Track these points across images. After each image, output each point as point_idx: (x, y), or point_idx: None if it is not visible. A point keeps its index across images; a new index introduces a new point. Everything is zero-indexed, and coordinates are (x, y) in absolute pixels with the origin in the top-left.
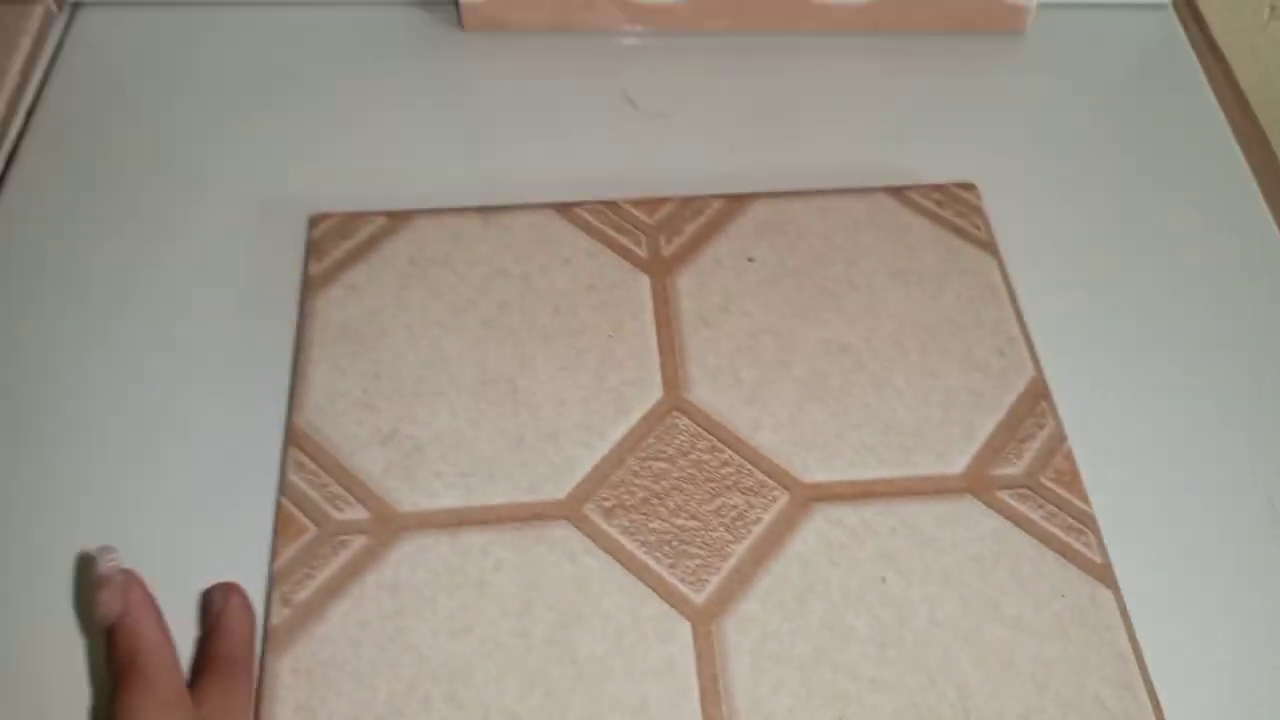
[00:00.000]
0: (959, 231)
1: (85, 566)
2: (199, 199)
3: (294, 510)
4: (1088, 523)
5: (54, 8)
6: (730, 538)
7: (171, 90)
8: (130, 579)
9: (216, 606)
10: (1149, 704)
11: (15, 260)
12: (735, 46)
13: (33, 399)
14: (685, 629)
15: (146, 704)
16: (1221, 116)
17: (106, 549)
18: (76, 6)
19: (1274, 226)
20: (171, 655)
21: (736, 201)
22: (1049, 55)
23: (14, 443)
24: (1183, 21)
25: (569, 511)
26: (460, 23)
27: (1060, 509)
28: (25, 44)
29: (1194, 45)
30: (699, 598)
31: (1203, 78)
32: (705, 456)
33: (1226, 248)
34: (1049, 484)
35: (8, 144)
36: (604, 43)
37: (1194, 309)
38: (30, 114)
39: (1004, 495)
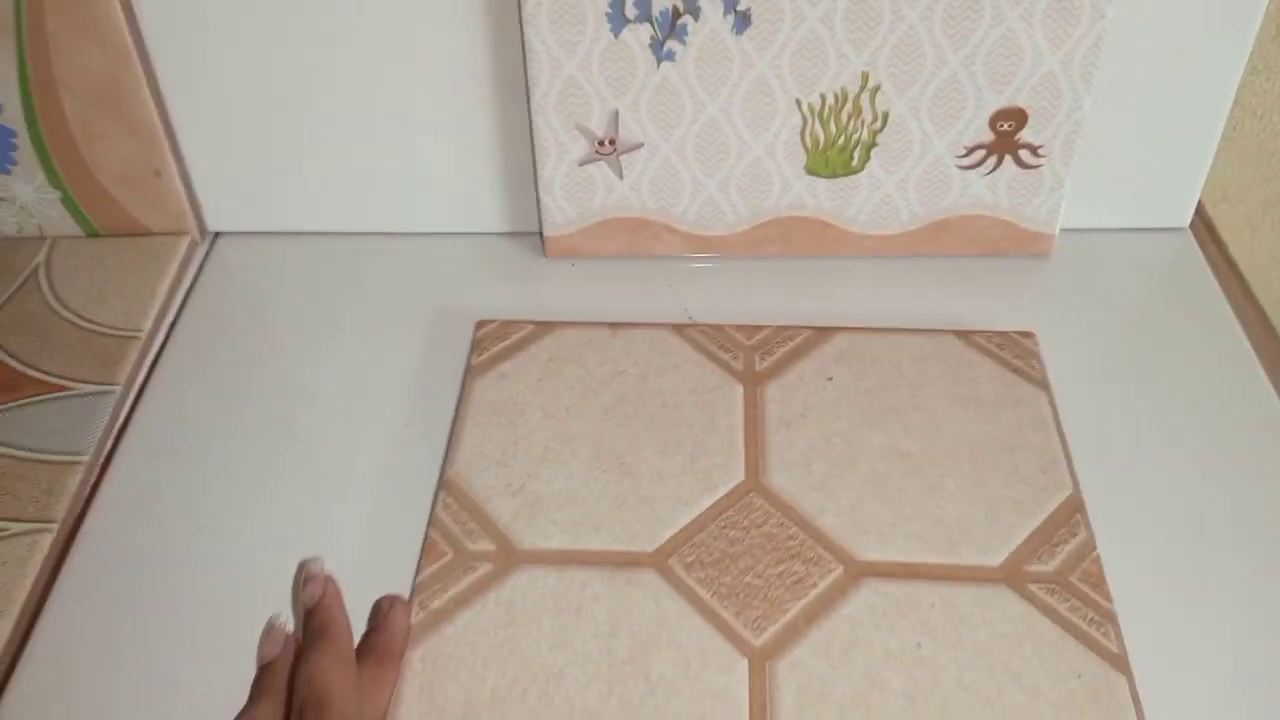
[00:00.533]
0: (1016, 370)
1: (298, 571)
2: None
3: (438, 539)
4: (1108, 618)
5: (198, 237)
6: (789, 597)
7: (295, 307)
8: (329, 578)
9: (385, 608)
10: None
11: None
12: (784, 269)
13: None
14: (743, 665)
15: (329, 658)
16: (1243, 335)
17: (315, 559)
18: (216, 236)
19: None
20: (350, 632)
21: (822, 332)
22: (1073, 277)
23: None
24: (1200, 243)
25: (657, 562)
26: (544, 250)
27: (1084, 604)
28: (172, 269)
29: (1212, 265)
30: (757, 641)
31: (1222, 296)
32: (775, 530)
33: (1248, 451)
34: (1076, 582)
35: (152, 354)
36: (670, 266)
37: (1208, 487)
38: (172, 327)
39: (1034, 588)
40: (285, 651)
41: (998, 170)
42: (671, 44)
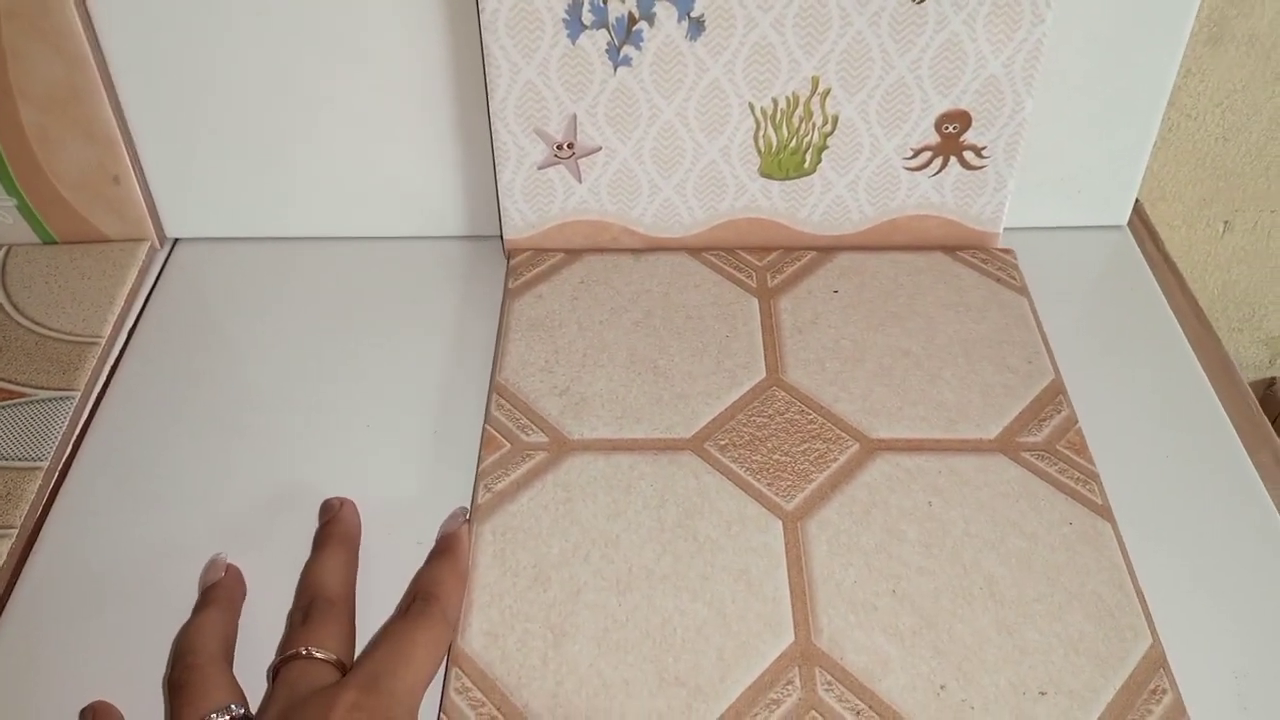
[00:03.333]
0: (999, 280)
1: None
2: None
3: (495, 433)
4: (1093, 478)
5: (157, 244)
6: (813, 469)
7: (255, 311)
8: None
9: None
10: (1136, 598)
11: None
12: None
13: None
14: (778, 525)
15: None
16: (1179, 328)
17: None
18: (176, 242)
19: (1230, 427)
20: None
21: (826, 253)
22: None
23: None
24: (1138, 240)
25: (694, 445)
26: (505, 253)
27: (1070, 466)
28: (131, 276)
29: (1150, 261)
30: (788, 505)
31: (1159, 291)
32: (796, 417)
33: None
34: (1063, 449)
35: (111, 360)
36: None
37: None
38: (132, 334)
39: (1027, 455)
40: (229, 575)
41: (944, 171)
42: (628, 49)
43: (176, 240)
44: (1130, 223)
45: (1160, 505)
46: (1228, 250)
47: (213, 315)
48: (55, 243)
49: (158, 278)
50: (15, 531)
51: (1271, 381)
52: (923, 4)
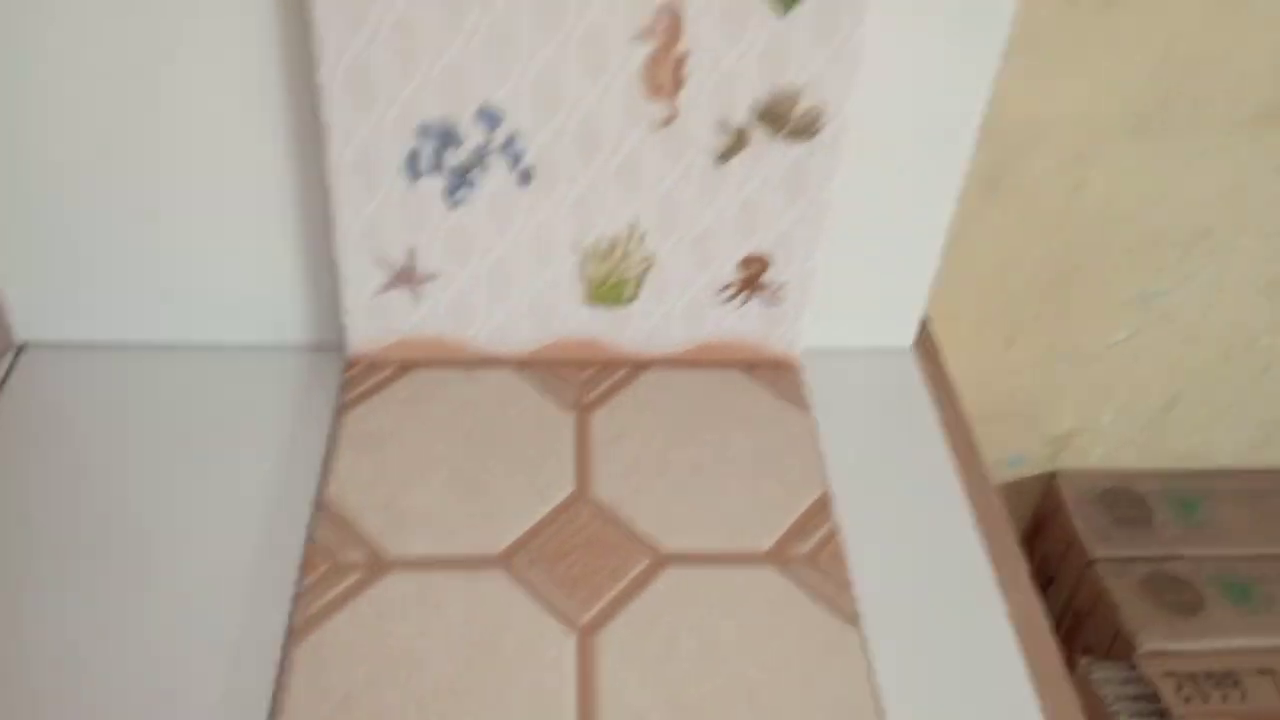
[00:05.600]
0: (787, 399)
1: None
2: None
3: (314, 554)
4: (845, 587)
5: (5, 348)
6: (609, 583)
7: (95, 421)
8: None
9: None
10: (872, 699)
11: None
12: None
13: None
14: (572, 640)
15: None
16: (944, 445)
17: None
18: (23, 347)
19: (979, 543)
20: None
21: (639, 368)
22: (814, 391)
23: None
24: (922, 359)
25: (503, 561)
26: (345, 366)
27: (828, 577)
28: None
29: (930, 380)
30: (583, 619)
31: (932, 410)
32: (598, 531)
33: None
34: (824, 561)
35: None
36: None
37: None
38: None
39: (793, 566)
40: None
41: (747, 306)
42: (462, 191)
43: (24, 345)
44: (917, 342)
45: (904, 614)
46: (1011, 363)
47: (56, 425)
48: None
49: (2, 384)
50: None
51: (1054, 474)
52: (724, 166)
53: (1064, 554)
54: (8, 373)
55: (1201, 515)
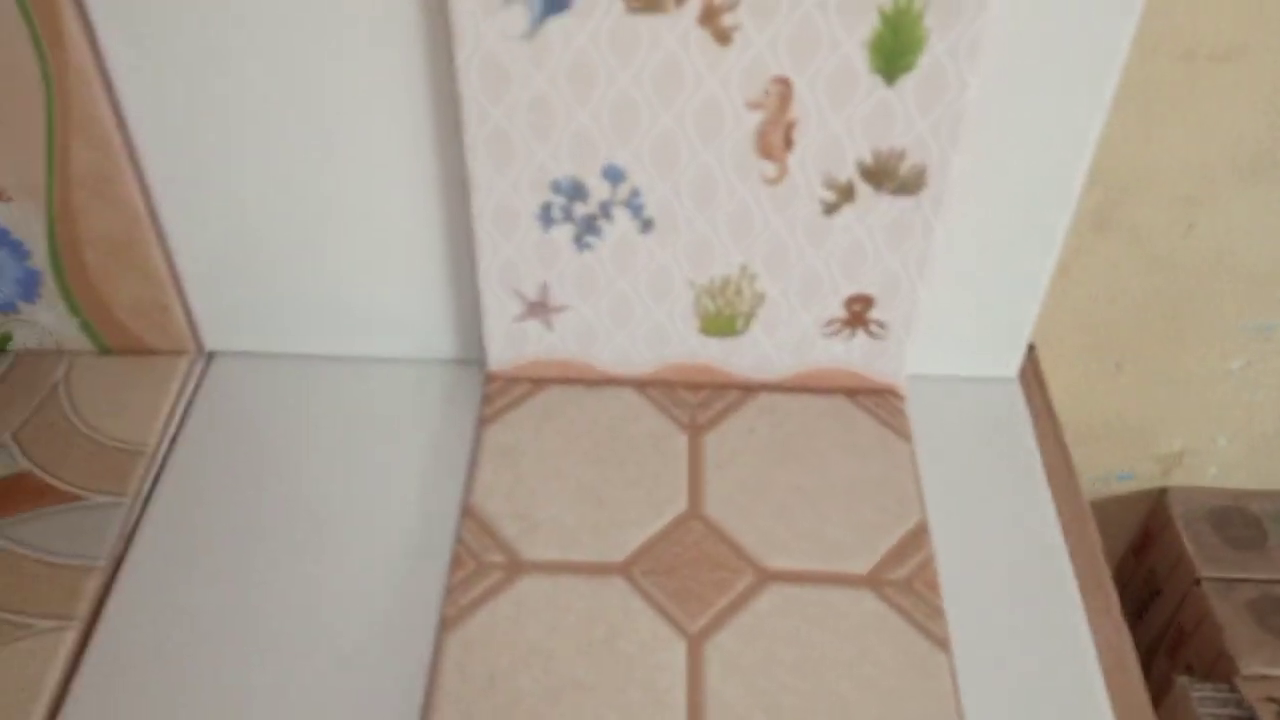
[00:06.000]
0: (889, 426)
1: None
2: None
3: (462, 553)
4: (939, 613)
5: (195, 356)
6: (717, 596)
7: (280, 422)
8: None
9: None
10: (955, 715)
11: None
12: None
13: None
14: (682, 645)
15: None
16: (1044, 479)
17: None
18: (212, 355)
19: (1072, 577)
20: None
21: (749, 392)
22: (916, 419)
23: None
24: (1027, 389)
25: (623, 570)
26: (484, 378)
27: (922, 602)
28: (174, 387)
29: (1034, 410)
30: (693, 628)
31: (1034, 443)
32: (708, 548)
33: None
34: (918, 586)
35: (156, 466)
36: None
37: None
38: (174, 441)
39: (888, 590)
40: None
41: (852, 338)
42: (589, 238)
43: (213, 353)
44: (1022, 372)
45: (992, 641)
46: (1121, 386)
47: (241, 426)
48: (110, 353)
49: (196, 387)
50: (77, 623)
51: (1164, 490)
52: (831, 217)
53: (1172, 569)
54: (200, 378)
55: None
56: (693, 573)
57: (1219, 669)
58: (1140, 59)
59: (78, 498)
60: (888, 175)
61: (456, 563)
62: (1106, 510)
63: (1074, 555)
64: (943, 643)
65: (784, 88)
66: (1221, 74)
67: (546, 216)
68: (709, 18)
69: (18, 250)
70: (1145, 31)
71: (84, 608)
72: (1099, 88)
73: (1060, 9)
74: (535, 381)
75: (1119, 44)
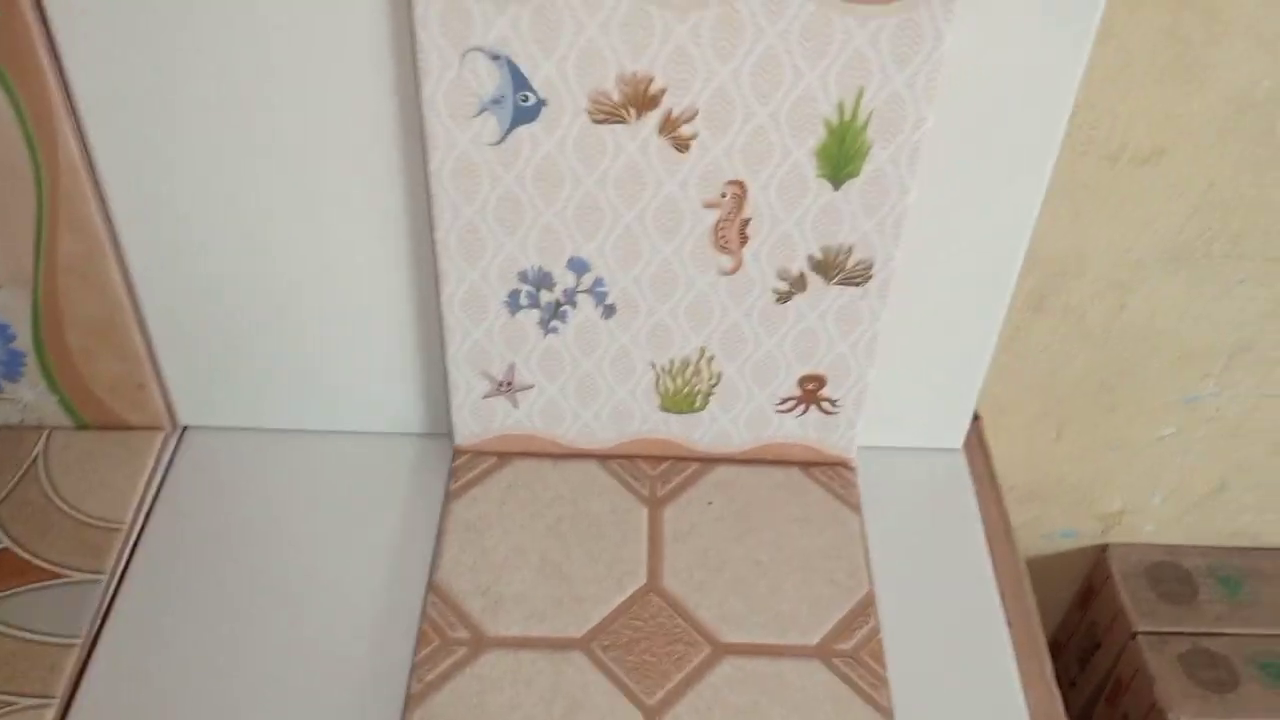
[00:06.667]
0: (839, 498)
1: None
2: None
3: (428, 630)
4: (883, 683)
5: (170, 430)
6: (674, 669)
7: (249, 498)
8: None
9: None
10: None
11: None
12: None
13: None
14: (640, 718)
15: None
16: (985, 546)
17: None
18: (185, 430)
19: (1009, 645)
20: None
21: (708, 464)
22: (867, 489)
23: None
24: (971, 458)
25: (583, 645)
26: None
27: (868, 673)
28: (149, 462)
29: (977, 478)
30: (650, 701)
31: (976, 510)
32: (665, 622)
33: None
34: (865, 657)
35: (131, 542)
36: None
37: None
38: (148, 515)
39: (836, 661)
40: None
41: (806, 415)
42: (555, 323)
43: (187, 428)
44: (967, 442)
45: (934, 707)
46: (1062, 453)
47: (214, 499)
48: (87, 428)
49: (170, 461)
50: (57, 700)
51: (1105, 546)
52: (784, 305)
53: (1110, 623)
54: (175, 452)
55: (1245, 594)
56: (650, 646)
57: (1152, 719)
58: (1070, 160)
59: (56, 575)
60: (836, 268)
61: (422, 639)
62: (1052, 566)
63: (1011, 621)
64: (887, 712)
65: (739, 189)
66: (1144, 174)
67: (514, 303)
68: (668, 128)
69: (3, 333)
70: (1074, 137)
71: (62, 685)
72: (1031, 187)
73: (994, 118)
74: (501, 455)
75: (1049, 148)
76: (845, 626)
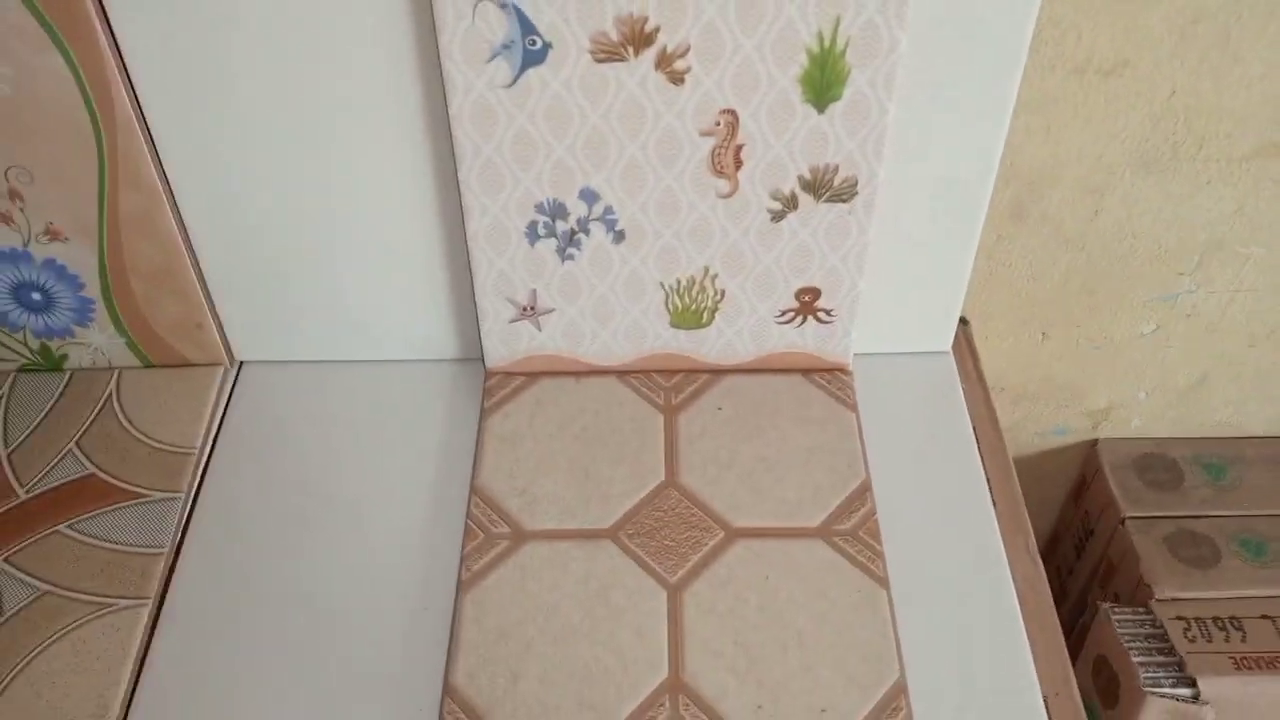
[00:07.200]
0: (838, 399)
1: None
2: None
3: (473, 526)
4: (879, 556)
5: (228, 365)
6: (691, 552)
7: (306, 424)
8: None
9: None
10: (894, 645)
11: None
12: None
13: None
14: (664, 594)
15: None
16: (973, 440)
17: None
18: (243, 365)
19: (994, 522)
20: None
21: (717, 375)
22: (864, 393)
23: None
24: (960, 359)
25: (611, 535)
26: (485, 378)
27: (865, 548)
28: (212, 395)
29: (966, 378)
30: (672, 579)
31: (964, 409)
32: (683, 512)
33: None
34: (862, 535)
35: (201, 465)
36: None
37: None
38: (215, 441)
39: (837, 539)
40: None
41: (804, 325)
42: (571, 250)
43: (244, 363)
44: (956, 345)
45: (925, 578)
46: (1048, 353)
47: (272, 426)
48: (152, 366)
49: (230, 393)
50: (151, 600)
51: (1095, 441)
52: (778, 223)
53: (1102, 512)
54: (234, 385)
55: (1229, 479)
56: (671, 533)
57: (1139, 595)
58: (1039, 75)
59: (138, 495)
60: (824, 187)
61: (468, 535)
62: (1047, 462)
63: (998, 503)
64: (883, 580)
65: (731, 117)
66: (1110, 85)
67: (533, 233)
68: (663, 63)
69: (74, 283)
70: (1041, 53)
71: (154, 587)
72: (1002, 101)
73: (964, 39)
74: (529, 375)
75: (1015, 64)
76: (844, 509)
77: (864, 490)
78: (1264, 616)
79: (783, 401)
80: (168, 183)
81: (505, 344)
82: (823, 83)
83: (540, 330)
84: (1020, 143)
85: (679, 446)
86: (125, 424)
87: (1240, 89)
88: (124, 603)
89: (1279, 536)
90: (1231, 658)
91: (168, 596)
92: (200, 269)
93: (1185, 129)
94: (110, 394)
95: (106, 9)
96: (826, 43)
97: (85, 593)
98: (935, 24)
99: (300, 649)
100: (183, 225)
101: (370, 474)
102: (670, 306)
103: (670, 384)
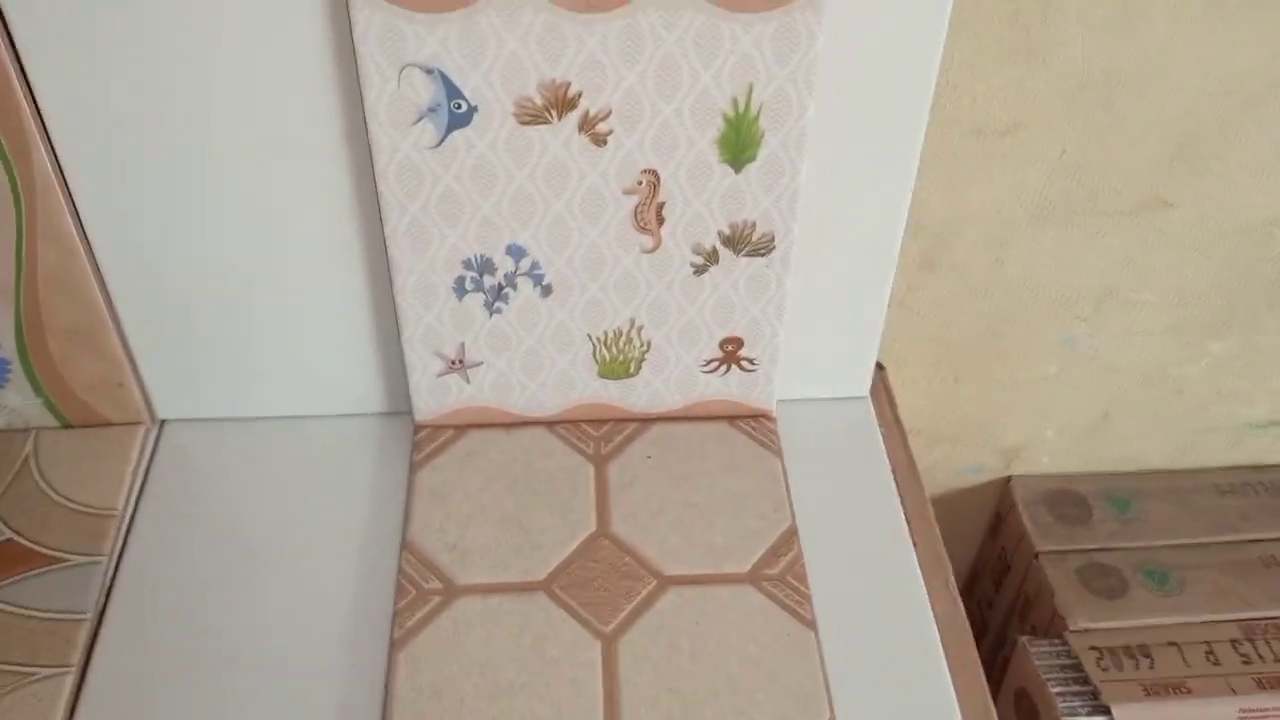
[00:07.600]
0: (763, 445)
1: None
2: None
3: (405, 583)
4: (806, 600)
5: (150, 424)
6: (625, 601)
7: (228, 484)
8: None
9: None
10: (824, 687)
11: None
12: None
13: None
14: (598, 645)
15: None
16: (892, 482)
17: None
18: (164, 423)
19: (915, 562)
20: None
21: (645, 424)
22: (787, 439)
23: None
24: (878, 403)
25: (544, 587)
26: (414, 431)
27: (793, 592)
28: (134, 454)
29: (884, 421)
30: (607, 629)
31: (883, 451)
32: (615, 561)
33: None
34: (790, 579)
35: (124, 526)
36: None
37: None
38: (138, 502)
39: (765, 584)
40: None
41: (728, 373)
42: (499, 304)
43: (165, 421)
44: (873, 390)
45: (852, 619)
46: (961, 396)
47: (196, 484)
48: (71, 426)
49: (153, 453)
50: (74, 669)
51: (1008, 478)
52: (701, 277)
53: (1016, 546)
54: (156, 444)
55: (1133, 511)
56: (604, 583)
57: (1055, 627)
58: (941, 136)
59: (59, 560)
60: (743, 242)
61: (400, 592)
62: (965, 499)
63: (917, 542)
64: (811, 623)
65: (653, 177)
66: (1005, 144)
67: (461, 288)
68: (586, 126)
69: None
70: (941, 115)
71: (77, 655)
72: (907, 160)
73: (869, 104)
74: (458, 428)
75: (917, 126)
76: (772, 554)
77: (790, 535)
78: (1170, 643)
79: (710, 448)
80: (87, 241)
81: (434, 397)
82: (738, 145)
83: (469, 383)
84: (926, 198)
85: (610, 495)
86: (44, 486)
87: (1124, 148)
88: (45, 671)
89: (1180, 566)
90: (1142, 685)
91: (91, 664)
92: (120, 327)
93: (1077, 184)
94: (28, 456)
95: (25, 69)
96: (741, 108)
97: (6, 662)
98: (841, 89)
99: (229, 714)
100: (103, 283)
101: (299, 532)
102: (598, 358)
103: (600, 433)
